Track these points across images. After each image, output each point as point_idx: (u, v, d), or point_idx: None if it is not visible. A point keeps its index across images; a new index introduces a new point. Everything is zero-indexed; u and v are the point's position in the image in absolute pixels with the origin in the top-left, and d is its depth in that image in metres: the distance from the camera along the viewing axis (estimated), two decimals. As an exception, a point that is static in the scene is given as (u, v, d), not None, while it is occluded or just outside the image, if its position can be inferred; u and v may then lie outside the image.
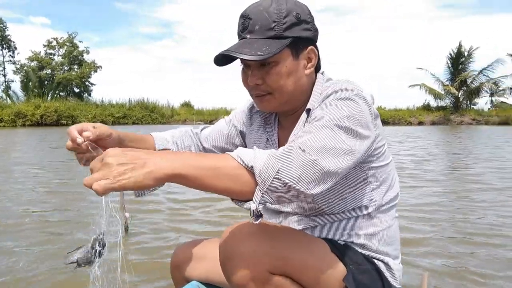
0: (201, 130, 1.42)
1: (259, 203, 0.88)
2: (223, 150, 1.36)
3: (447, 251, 2.64)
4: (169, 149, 1.33)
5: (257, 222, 0.91)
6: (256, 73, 1.11)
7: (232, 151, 0.91)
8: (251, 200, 0.88)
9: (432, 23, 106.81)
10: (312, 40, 1.14)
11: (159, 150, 1.30)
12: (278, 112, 1.25)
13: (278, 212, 1.29)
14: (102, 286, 1.03)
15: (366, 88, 1.13)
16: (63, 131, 18.67)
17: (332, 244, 1.12)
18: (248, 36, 1.09)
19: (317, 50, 1.17)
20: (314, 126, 0.98)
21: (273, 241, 1.02)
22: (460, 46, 32.66)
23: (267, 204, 1.29)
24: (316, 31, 1.15)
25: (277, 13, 1.06)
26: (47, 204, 4.03)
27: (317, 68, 1.21)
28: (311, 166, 0.88)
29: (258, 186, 0.87)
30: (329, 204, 1.15)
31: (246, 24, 1.09)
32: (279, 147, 1.22)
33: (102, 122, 28.07)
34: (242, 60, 1.12)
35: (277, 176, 0.86)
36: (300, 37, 1.09)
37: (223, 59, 1.12)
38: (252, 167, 0.86)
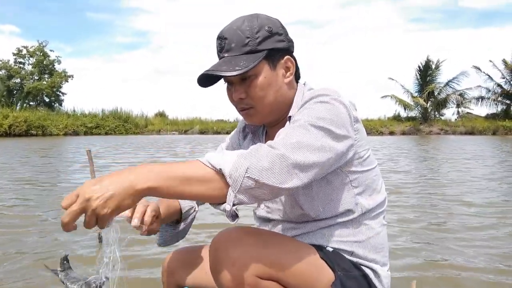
0: None
1: (233, 204, 0.90)
2: None
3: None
4: (192, 207, 1.40)
5: (234, 222, 0.95)
6: (239, 88, 1.17)
7: None
8: (222, 201, 0.91)
9: (403, 35, 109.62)
10: (287, 50, 1.19)
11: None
12: (265, 123, 1.30)
13: (267, 220, 1.31)
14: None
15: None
16: (32, 142, 18.15)
17: (321, 250, 1.12)
18: (226, 55, 1.15)
19: (294, 59, 1.22)
20: (289, 127, 1.05)
21: (262, 246, 1.03)
22: (428, 60, 33.78)
23: (257, 213, 1.36)
24: (290, 41, 1.21)
25: (250, 30, 1.13)
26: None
27: (297, 77, 1.28)
28: (280, 159, 0.91)
29: (230, 187, 0.89)
30: (315, 210, 1.17)
31: (222, 44, 1.16)
32: None
33: (74, 132, 27.58)
34: (225, 78, 1.19)
35: (247, 175, 0.88)
36: (275, 49, 1.15)
37: (206, 80, 1.20)
38: (221, 169, 0.89)
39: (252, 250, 1.02)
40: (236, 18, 1.19)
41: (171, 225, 1.39)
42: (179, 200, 1.38)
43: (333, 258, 1.12)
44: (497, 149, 14.31)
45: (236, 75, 1.11)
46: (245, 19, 1.16)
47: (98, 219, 0.84)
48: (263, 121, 1.25)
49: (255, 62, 1.11)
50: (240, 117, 1.30)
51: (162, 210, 1.25)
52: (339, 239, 1.18)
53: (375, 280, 1.18)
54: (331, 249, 1.17)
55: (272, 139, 1.27)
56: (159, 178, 0.86)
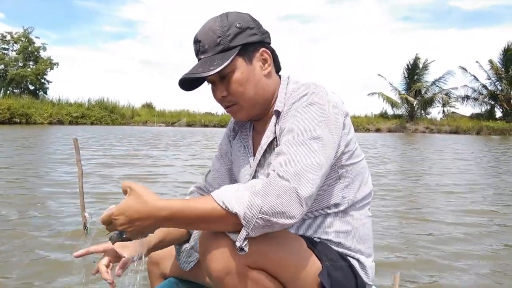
0: (205, 179, 1.47)
1: (243, 240, 0.96)
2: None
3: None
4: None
5: (241, 254, 0.99)
6: (220, 86, 1.21)
7: None
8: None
9: (391, 34, 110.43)
10: (261, 42, 1.22)
11: None
12: (251, 118, 1.31)
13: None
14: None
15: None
16: (16, 131, 17.85)
17: (309, 241, 1.15)
18: (202, 57, 1.19)
19: (271, 50, 1.25)
20: (288, 143, 1.07)
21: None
22: (416, 58, 34.13)
23: None
24: (264, 33, 1.23)
25: (220, 29, 1.17)
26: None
27: (278, 68, 1.30)
28: (291, 196, 0.96)
29: (243, 227, 0.95)
30: None
31: (197, 47, 1.20)
32: (254, 152, 1.31)
33: (59, 121, 27.14)
34: (207, 79, 1.23)
35: (260, 216, 0.94)
36: (248, 43, 1.19)
37: (189, 84, 1.23)
38: (236, 213, 0.95)
39: None
40: (208, 20, 1.23)
41: (181, 243, 1.42)
42: None
43: (320, 249, 1.15)
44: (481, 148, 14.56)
45: (211, 74, 1.15)
46: (216, 19, 1.20)
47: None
48: (248, 116, 1.27)
49: (229, 60, 1.15)
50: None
51: (161, 237, 1.31)
52: (326, 230, 1.21)
53: (360, 271, 1.21)
54: (318, 240, 1.19)
55: (258, 133, 1.33)
56: (175, 220, 0.99)
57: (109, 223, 1.00)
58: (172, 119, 32.78)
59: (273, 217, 0.95)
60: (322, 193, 1.18)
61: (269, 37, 1.25)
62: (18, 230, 3.08)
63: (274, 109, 1.23)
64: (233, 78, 1.18)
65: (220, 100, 1.24)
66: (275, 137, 1.22)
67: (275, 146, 1.22)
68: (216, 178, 1.44)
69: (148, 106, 36.87)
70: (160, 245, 1.32)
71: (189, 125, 31.70)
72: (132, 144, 12.59)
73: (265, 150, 1.25)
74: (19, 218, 3.45)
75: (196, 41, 1.21)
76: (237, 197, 0.96)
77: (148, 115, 33.17)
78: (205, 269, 1.06)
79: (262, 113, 1.28)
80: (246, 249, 0.98)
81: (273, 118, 1.24)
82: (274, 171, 1.01)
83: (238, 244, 0.96)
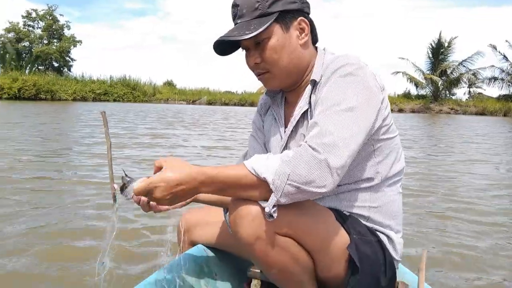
0: (244, 158, 1.48)
1: (273, 206, 0.99)
2: None
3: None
4: None
5: (271, 221, 1.02)
6: (254, 53, 1.19)
7: None
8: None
9: (413, 13, 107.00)
10: (300, 11, 1.19)
11: None
12: (283, 88, 1.30)
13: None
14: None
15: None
16: (42, 106, 18.23)
17: (338, 214, 1.16)
18: (239, 21, 1.18)
19: (310, 20, 1.22)
20: (322, 115, 1.05)
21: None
22: (440, 36, 33.03)
23: None
24: (303, 2, 1.21)
25: None
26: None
27: (314, 40, 1.27)
28: (321, 166, 0.97)
29: (273, 193, 0.98)
30: None
31: (235, 11, 1.19)
32: (285, 123, 1.29)
33: (82, 98, 27.62)
34: (242, 45, 1.21)
35: (289, 182, 0.96)
36: (286, 10, 1.16)
37: (224, 48, 1.22)
38: (265, 178, 0.98)
39: None
40: None
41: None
42: None
43: (349, 222, 1.15)
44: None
45: (246, 38, 1.14)
46: None
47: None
48: (280, 85, 1.26)
49: (266, 25, 1.13)
50: (248, 90, 1.31)
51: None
52: (357, 204, 1.20)
53: (389, 246, 1.20)
54: (347, 213, 1.19)
55: (290, 104, 1.31)
56: (211, 185, 1.02)
57: (146, 192, 1.02)
58: (193, 97, 32.88)
59: (303, 185, 0.96)
60: (356, 166, 1.17)
61: (308, 7, 1.23)
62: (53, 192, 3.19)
63: (310, 79, 1.21)
64: (268, 44, 1.17)
65: (253, 67, 1.23)
66: (309, 107, 1.20)
67: (309, 116, 1.20)
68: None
69: (169, 84, 37.04)
70: (209, 199, 1.37)
71: (209, 103, 31.75)
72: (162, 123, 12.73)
73: (298, 121, 1.23)
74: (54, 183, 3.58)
75: (234, 5, 1.20)
76: (267, 165, 0.99)
77: (169, 92, 33.33)
78: (235, 234, 1.08)
79: (295, 83, 1.26)
80: (275, 215, 1.00)
81: (308, 88, 1.22)
82: (306, 142, 1.01)
83: (267, 209, 0.99)
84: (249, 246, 1.05)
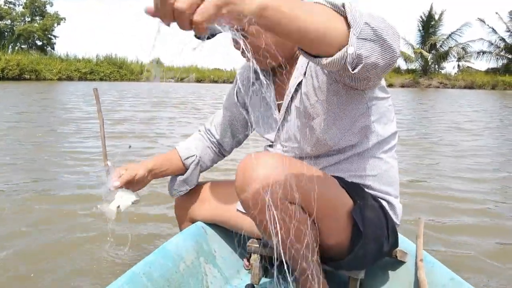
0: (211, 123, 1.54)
1: (356, 49, 0.83)
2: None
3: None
4: (193, 155, 1.48)
5: (356, 72, 0.86)
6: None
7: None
8: (337, 50, 0.83)
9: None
10: None
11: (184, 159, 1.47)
12: (274, 65, 1.24)
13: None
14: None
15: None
16: (26, 86, 17.88)
17: (341, 180, 1.17)
18: None
19: None
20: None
21: (287, 170, 1.05)
22: (431, 8, 32.90)
23: (275, 148, 1.34)
24: None
25: None
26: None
27: None
28: (388, 25, 0.88)
29: (351, 29, 0.82)
30: (332, 136, 1.17)
31: None
32: (277, 99, 1.28)
33: (68, 77, 27.11)
34: None
35: (366, 22, 0.84)
36: None
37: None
38: (344, 5, 0.84)
39: (278, 173, 1.02)
40: None
41: (178, 175, 1.47)
42: (178, 149, 1.46)
43: (352, 188, 1.15)
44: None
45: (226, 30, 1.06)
46: None
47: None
48: (270, 64, 1.21)
49: None
50: (236, 67, 1.28)
51: (157, 165, 1.38)
52: (356, 174, 1.21)
53: (390, 211, 1.22)
54: (349, 181, 1.20)
55: (282, 82, 1.27)
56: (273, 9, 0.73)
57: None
58: (181, 75, 32.51)
59: (377, 29, 0.85)
60: (351, 125, 1.16)
61: None
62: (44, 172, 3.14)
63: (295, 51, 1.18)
64: (249, 29, 1.12)
65: (241, 52, 1.19)
66: (304, 77, 1.18)
67: (302, 88, 1.18)
68: (218, 128, 1.50)
69: (157, 62, 36.50)
70: (158, 171, 1.38)
71: (198, 81, 31.45)
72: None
73: (292, 95, 1.21)
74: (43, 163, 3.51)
75: None
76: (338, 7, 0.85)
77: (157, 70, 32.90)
78: (242, 201, 1.06)
79: (286, 59, 1.22)
80: (360, 52, 0.84)
81: (300, 59, 1.19)
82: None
83: (351, 49, 0.82)
84: (255, 211, 1.04)
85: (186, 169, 1.46)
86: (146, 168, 1.34)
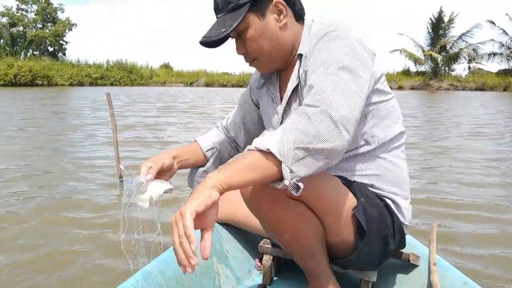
0: (227, 122, 1.56)
1: (291, 178, 0.91)
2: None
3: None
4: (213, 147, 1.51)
5: (298, 194, 0.93)
6: (238, 43, 1.21)
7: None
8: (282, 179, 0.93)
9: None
10: None
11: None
12: (276, 70, 1.31)
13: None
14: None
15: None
16: (39, 92, 18.11)
17: (344, 180, 1.17)
18: (218, 16, 1.19)
19: (286, 0, 1.18)
20: (315, 76, 1.03)
21: None
22: (440, 11, 32.65)
23: None
24: None
25: None
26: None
27: (299, 15, 1.24)
28: (323, 118, 0.92)
29: (283, 163, 0.90)
30: None
31: (214, 6, 1.19)
32: (281, 101, 1.30)
33: (79, 83, 27.41)
34: (230, 36, 1.19)
35: (295, 146, 0.90)
36: None
37: (212, 42, 1.19)
38: (268, 149, 0.91)
39: None
40: None
41: (199, 166, 1.49)
42: (199, 141, 1.49)
43: (355, 187, 1.16)
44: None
45: (223, 36, 1.14)
46: None
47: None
48: (270, 69, 1.28)
49: (239, 19, 1.13)
50: (246, 70, 1.33)
51: (180, 154, 1.39)
52: (358, 173, 1.21)
53: (395, 210, 1.21)
54: (352, 180, 1.20)
55: (285, 82, 1.31)
56: (226, 182, 0.91)
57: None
58: (190, 79, 32.68)
59: (309, 144, 0.90)
60: None
61: None
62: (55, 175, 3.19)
63: (297, 53, 1.21)
64: (247, 36, 1.17)
65: (243, 56, 1.24)
66: (299, 81, 1.21)
67: (299, 91, 1.21)
68: (233, 125, 1.54)
69: (166, 67, 36.76)
70: (181, 160, 1.39)
71: (207, 85, 31.58)
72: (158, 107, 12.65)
73: (290, 97, 1.24)
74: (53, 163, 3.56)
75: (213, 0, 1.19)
76: (269, 138, 0.93)
77: (166, 75, 33.13)
78: (247, 200, 1.08)
79: (285, 63, 1.26)
80: (301, 185, 0.93)
81: (297, 63, 1.21)
82: (303, 104, 0.99)
83: (286, 182, 0.91)
84: (262, 211, 1.07)
85: (207, 160, 1.49)
86: (171, 156, 1.34)
